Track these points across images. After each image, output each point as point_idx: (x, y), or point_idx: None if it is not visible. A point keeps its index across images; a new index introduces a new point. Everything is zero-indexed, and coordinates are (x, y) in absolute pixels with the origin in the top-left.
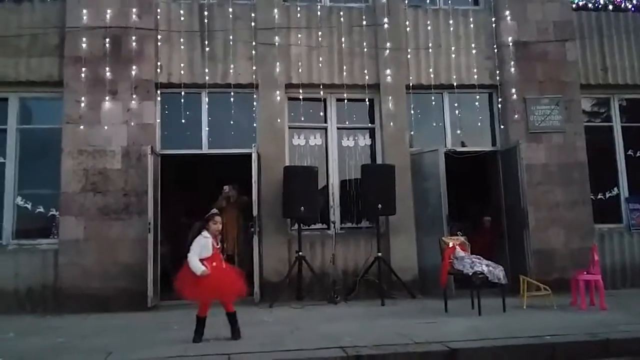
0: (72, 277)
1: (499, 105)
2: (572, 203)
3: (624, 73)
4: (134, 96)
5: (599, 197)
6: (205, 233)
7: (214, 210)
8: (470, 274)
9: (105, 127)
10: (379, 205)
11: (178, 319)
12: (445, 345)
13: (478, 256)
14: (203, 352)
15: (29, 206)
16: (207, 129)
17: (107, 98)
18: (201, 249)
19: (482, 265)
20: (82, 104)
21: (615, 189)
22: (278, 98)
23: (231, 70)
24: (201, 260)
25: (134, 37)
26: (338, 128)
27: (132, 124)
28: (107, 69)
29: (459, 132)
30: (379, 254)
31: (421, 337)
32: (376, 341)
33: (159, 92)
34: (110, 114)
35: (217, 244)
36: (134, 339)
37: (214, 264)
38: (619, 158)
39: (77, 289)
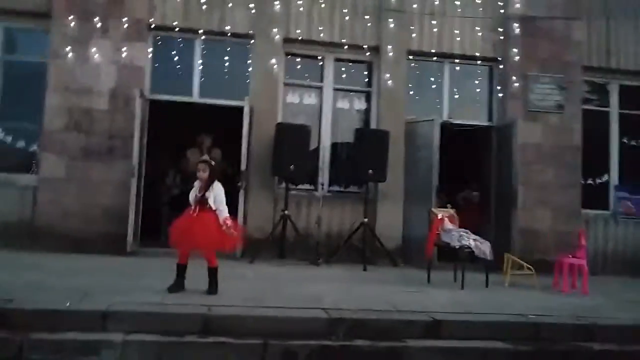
0: (51, 216)
1: (499, 80)
2: (562, 186)
3: (627, 58)
4: (125, 35)
5: (589, 182)
6: (197, 180)
7: (203, 157)
8: (457, 247)
9: (93, 66)
10: (370, 171)
11: (157, 266)
12: (430, 315)
13: (466, 230)
14: (182, 301)
15: (8, 139)
16: (199, 76)
17: (96, 35)
18: (190, 197)
19: (470, 240)
20: (71, 40)
21: (606, 175)
22: (275, 52)
23: (228, 18)
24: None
25: None
26: (334, 89)
27: (122, 64)
28: (99, 4)
29: (456, 104)
30: (365, 220)
31: (404, 306)
32: (359, 306)
33: (151, 33)
34: (99, 53)
35: (199, 192)
36: (112, 283)
37: (191, 212)
38: (613, 145)
39: (54, 228)
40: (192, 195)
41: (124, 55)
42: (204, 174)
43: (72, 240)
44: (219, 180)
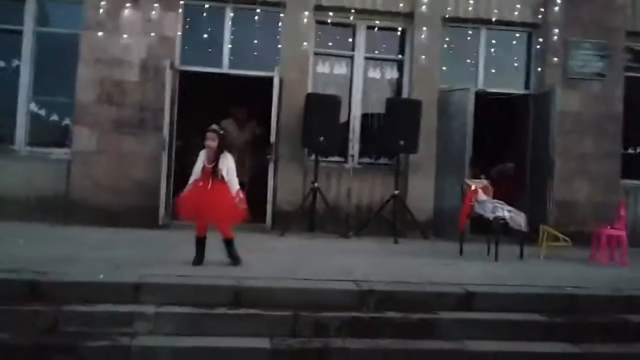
0: (84, 189)
1: (538, 47)
2: (601, 155)
3: None
4: (156, 5)
5: (629, 151)
6: (203, 151)
7: (211, 127)
8: (491, 218)
9: (124, 37)
10: (401, 142)
11: (189, 240)
12: (462, 287)
13: (500, 201)
14: (214, 273)
15: (42, 113)
16: (229, 47)
17: (127, 5)
18: (197, 166)
19: (504, 211)
20: (102, 10)
21: None
22: (305, 20)
23: None
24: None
25: None
26: (365, 58)
27: (152, 35)
28: None
29: (492, 71)
30: (396, 192)
31: (436, 278)
32: (390, 278)
33: (181, 3)
34: (129, 23)
35: (210, 163)
36: (144, 255)
37: (200, 184)
38: None
39: (88, 201)
40: (200, 166)
41: (154, 25)
42: (213, 143)
43: (105, 214)
44: (229, 151)
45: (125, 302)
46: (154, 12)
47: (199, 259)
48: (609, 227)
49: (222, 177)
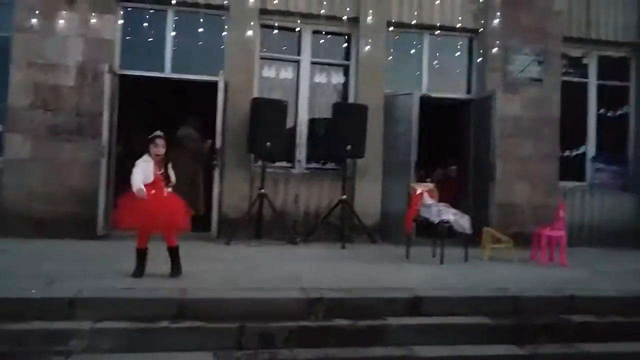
0: (17, 199)
1: (479, 52)
2: (540, 158)
3: (607, 29)
4: (93, 7)
5: (566, 153)
6: (145, 157)
7: (157, 132)
8: (437, 221)
9: (60, 40)
10: (348, 147)
11: (129, 250)
12: (410, 292)
13: (445, 204)
14: (156, 285)
15: None
16: (171, 51)
17: (63, 7)
18: (143, 172)
19: (449, 214)
20: (36, 12)
21: (583, 147)
22: (251, 24)
23: None
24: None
25: None
26: (312, 62)
27: (90, 38)
28: None
29: (435, 76)
30: (344, 197)
31: (384, 283)
32: (338, 284)
33: (120, 5)
34: (65, 25)
35: (160, 170)
36: (80, 268)
37: (153, 191)
38: (590, 116)
39: (21, 211)
40: (150, 173)
41: (92, 28)
42: (163, 149)
43: (40, 225)
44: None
45: (60, 319)
46: (91, 13)
47: (140, 271)
48: (548, 228)
49: (172, 183)
